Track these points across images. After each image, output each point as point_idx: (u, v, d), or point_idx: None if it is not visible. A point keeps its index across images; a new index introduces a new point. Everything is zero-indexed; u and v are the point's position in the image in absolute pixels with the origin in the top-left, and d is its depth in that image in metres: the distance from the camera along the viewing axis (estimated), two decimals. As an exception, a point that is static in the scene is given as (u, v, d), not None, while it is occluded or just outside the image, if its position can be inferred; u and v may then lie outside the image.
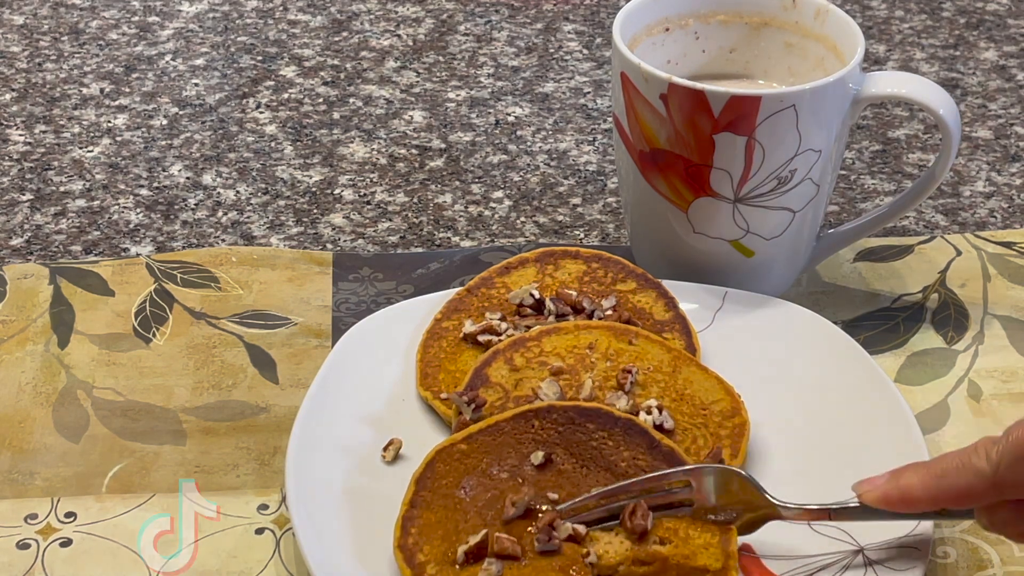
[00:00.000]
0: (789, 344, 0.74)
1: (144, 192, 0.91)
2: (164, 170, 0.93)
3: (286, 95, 1.01)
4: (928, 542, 0.63)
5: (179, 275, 0.82)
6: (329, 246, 0.86)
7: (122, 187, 0.91)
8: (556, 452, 0.65)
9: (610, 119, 0.89)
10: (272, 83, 1.02)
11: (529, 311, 0.75)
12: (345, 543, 0.64)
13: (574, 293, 0.75)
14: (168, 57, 1.05)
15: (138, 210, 0.89)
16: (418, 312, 0.76)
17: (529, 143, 0.96)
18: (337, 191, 0.91)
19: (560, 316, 0.74)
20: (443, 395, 0.71)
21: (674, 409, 0.69)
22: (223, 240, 0.86)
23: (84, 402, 0.74)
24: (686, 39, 0.81)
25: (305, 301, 0.81)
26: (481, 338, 0.73)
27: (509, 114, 0.99)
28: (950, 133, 0.74)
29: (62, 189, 0.91)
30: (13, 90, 1.01)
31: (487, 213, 0.89)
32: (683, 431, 0.68)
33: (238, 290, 0.82)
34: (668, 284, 0.77)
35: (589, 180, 0.92)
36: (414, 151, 0.95)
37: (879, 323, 0.80)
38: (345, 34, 1.08)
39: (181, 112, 0.99)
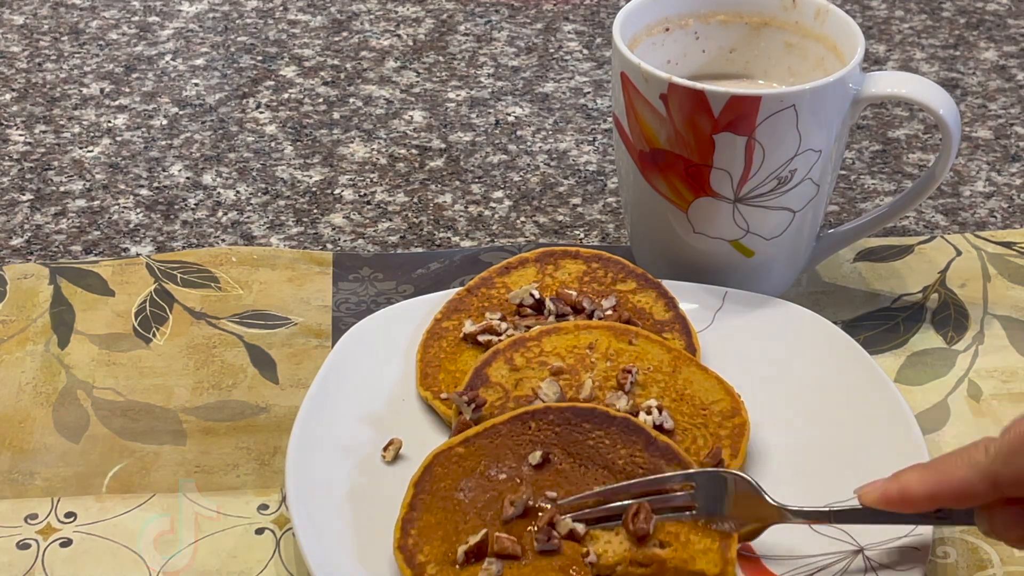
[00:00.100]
0: (789, 344, 0.74)
1: (144, 192, 0.91)
2: (164, 170, 0.93)
3: (286, 95, 1.01)
4: (928, 542, 0.63)
5: (179, 275, 0.82)
6: (329, 246, 0.86)
7: (122, 187, 0.91)
8: (554, 452, 0.65)
9: (610, 119, 0.89)
10: (272, 83, 1.02)
11: (529, 311, 0.75)
12: (345, 543, 0.64)
13: (574, 293, 0.75)
14: (168, 57, 1.05)
15: (138, 210, 0.89)
16: (418, 312, 0.76)
17: (529, 143, 0.96)
18: (337, 191, 0.91)
19: (560, 316, 0.74)
20: (443, 395, 0.71)
21: (674, 409, 0.69)
22: (223, 240, 0.86)
23: (84, 402, 0.74)
24: (686, 39, 0.81)
25: (305, 301, 0.81)
26: (481, 338, 0.73)
27: (509, 114, 0.99)
28: (950, 133, 0.74)
29: (62, 189, 0.91)
30: (13, 90, 1.01)
31: (487, 213, 0.89)
32: (683, 431, 0.68)
33: (238, 290, 0.82)
34: (668, 284, 0.77)
35: (589, 180, 0.92)
36: (414, 151, 0.95)
37: (879, 323, 0.80)
38: (345, 34, 1.08)
39: (181, 112, 0.99)
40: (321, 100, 1.00)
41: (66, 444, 0.72)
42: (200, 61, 1.04)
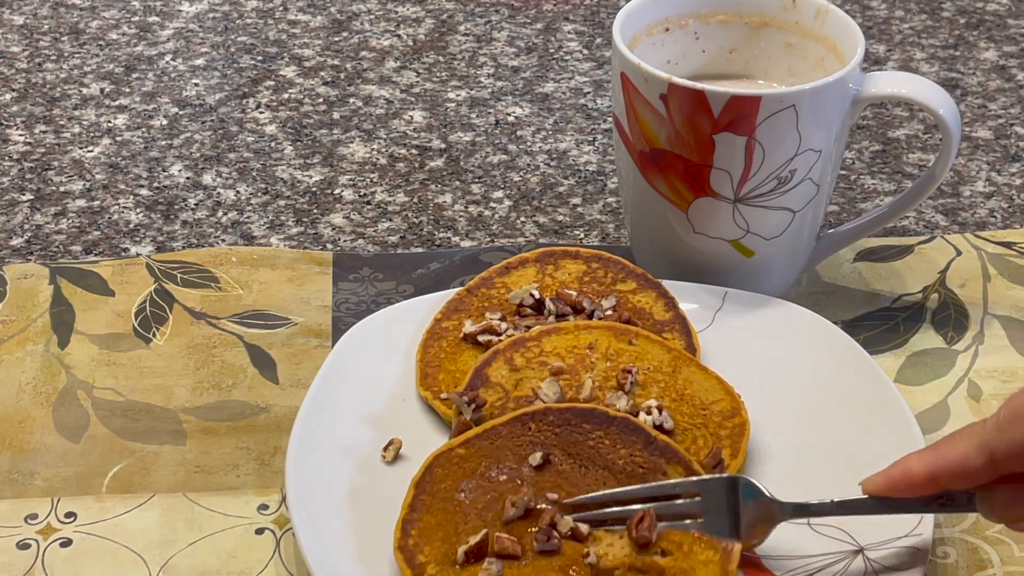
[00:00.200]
0: (789, 344, 0.74)
1: (144, 192, 0.91)
2: (164, 170, 0.93)
3: (286, 95, 1.01)
4: (928, 542, 0.63)
5: (179, 275, 0.82)
6: (329, 246, 0.86)
7: (122, 187, 0.91)
8: (554, 453, 0.65)
9: (610, 119, 0.89)
10: (272, 83, 1.02)
11: (529, 311, 0.75)
12: (345, 543, 0.64)
13: (574, 293, 0.75)
14: (168, 57, 1.05)
15: (138, 210, 0.89)
16: (418, 312, 0.76)
17: (529, 143, 0.96)
18: (337, 191, 0.91)
19: (560, 316, 0.74)
20: (443, 395, 0.71)
21: (674, 409, 0.69)
22: (223, 240, 0.86)
23: (84, 402, 0.74)
24: (686, 39, 0.81)
25: (305, 301, 0.81)
26: (481, 338, 0.73)
27: (509, 114, 0.99)
28: (950, 133, 0.74)
29: (62, 189, 0.91)
30: (13, 90, 1.01)
31: (487, 213, 0.89)
32: (683, 431, 0.68)
33: (238, 290, 0.82)
34: (668, 284, 0.77)
35: (589, 180, 0.92)
36: (414, 151, 0.95)
37: (879, 323, 0.80)
38: (345, 34, 1.08)
39: (181, 112, 0.99)
40: (321, 100, 1.00)
41: (66, 444, 0.72)
42: (200, 61, 1.04)
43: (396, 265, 0.84)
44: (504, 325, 0.74)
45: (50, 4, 1.12)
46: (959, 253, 0.85)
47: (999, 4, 1.13)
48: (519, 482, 0.64)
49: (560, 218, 0.89)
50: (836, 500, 0.62)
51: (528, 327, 0.73)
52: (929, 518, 0.64)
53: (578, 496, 0.64)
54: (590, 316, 0.74)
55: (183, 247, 0.86)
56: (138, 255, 0.85)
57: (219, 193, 0.91)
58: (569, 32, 1.09)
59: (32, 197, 0.90)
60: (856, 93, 0.74)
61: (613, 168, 0.93)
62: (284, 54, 1.05)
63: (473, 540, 0.62)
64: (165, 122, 0.98)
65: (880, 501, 0.61)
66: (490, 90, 1.02)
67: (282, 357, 0.77)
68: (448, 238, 0.87)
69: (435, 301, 0.76)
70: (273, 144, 0.95)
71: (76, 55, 1.05)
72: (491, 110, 0.99)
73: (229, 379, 0.76)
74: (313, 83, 1.02)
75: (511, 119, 0.98)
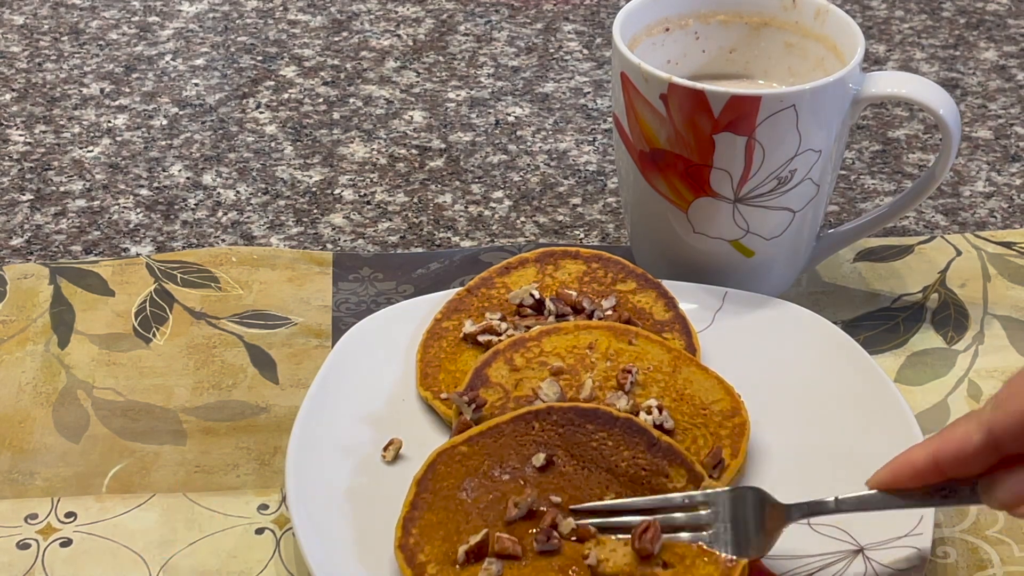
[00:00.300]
0: (789, 344, 0.74)
1: (144, 192, 0.91)
2: (164, 170, 0.93)
3: (286, 95, 1.01)
4: (928, 542, 0.63)
5: (179, 275, 0.82)
6: (329, 246, 0.86)
7: (122, 187, 0.91)
8: (557, 454, 0.65)
9: (610, 119, 0.89)
10: (272, 83, 1.02)
11: (529, 311, 0.75)
12: (345, 543, 0.64)
13: (574, 293, 0.75)
14: (168, 57, 1.05)
15: (138, 210, 0.89)
16: (418, 312, 0.76)
17: (529, 143, 0.96)
18: (337, 191, 0.91)
19: (560, 316, 0.74)
20: (443, 395, 0.71)
21: (674, 409, 0.69)
22: (223, 240, 0.86)
23: (84, 402, 0.74)
24: (686, 39, 0.81)
25: (305, 301, 0.81)
26: (481, 338, 0.73)
27: (509, 114, 0.99)
28: (950, 133, 0.74)
29: (62, 189, 0.91)
30: (13, 90, 1.01)
31: (487, 213, 0.89)
32: (683, 431, 0.68)
33: (238, 290, 0.82)
34: (668, 284, 0.77)
35: (589, 180, 0.92)
36: (414, 151, 0.95)
37: (879, 323, 0.80)
38: (345, 34, 1.08)
39: (181, 112, 0.99)
40: (321, 100, 1.00)
41: (66, 444, 0.72)
42: (200, 61, 1.04)
43: (396, 265, 0.84)
44: (504, 325, 0.74)
45: (50, 4, 1.12)
46: (959, 253, 0.85)
47: (999, 4, 1.13)
48: (522, 482, 0.64)
49: (560, 218, 0.89)
50: (840, 497, 0.62)
51: (528, 327, 0.73)
52: (929, 518, 0.64)
53: (588, 503, 0.64)
54: (590, 316, 0.74)
55: (183, 247, 0.86)
56: (138, 255, 0.85)
57: (219, 193, 0.91)
58: (569, 32, 1.09)
59: (32, 197, 0.90)
60: (856, 93, 0.74)
61: (613, 168, 0.93)
62: (284, 54, 1.05)
63: (473, 540, 0.62)
64: (165, 122, 0.98)
65: (885, 496, 0.61)
66: (490, 90, 1.02)
67: (282, 357, 0.77)
68: (448, 238, 0.87)
69: (435, 301, 0.76)
70: (273, 144, 0.95)
71: (76, 55, 1.05)
72: (491, 110, 0.99)
73: (229, 379, 0.76)
74: (313, 83, 1.02)
75: (511, 119, 0.98)
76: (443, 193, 0.91)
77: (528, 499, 0.63)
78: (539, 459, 0.65)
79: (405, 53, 1.06)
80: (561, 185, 0.92)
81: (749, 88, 0.79)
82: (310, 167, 0.93)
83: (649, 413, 0.68)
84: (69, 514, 0.68)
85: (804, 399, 0.72)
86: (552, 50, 1.06)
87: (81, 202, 0.90)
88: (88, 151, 0.95)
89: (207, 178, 0.92)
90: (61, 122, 0.98)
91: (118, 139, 0.96)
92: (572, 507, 0.63)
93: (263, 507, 0.68)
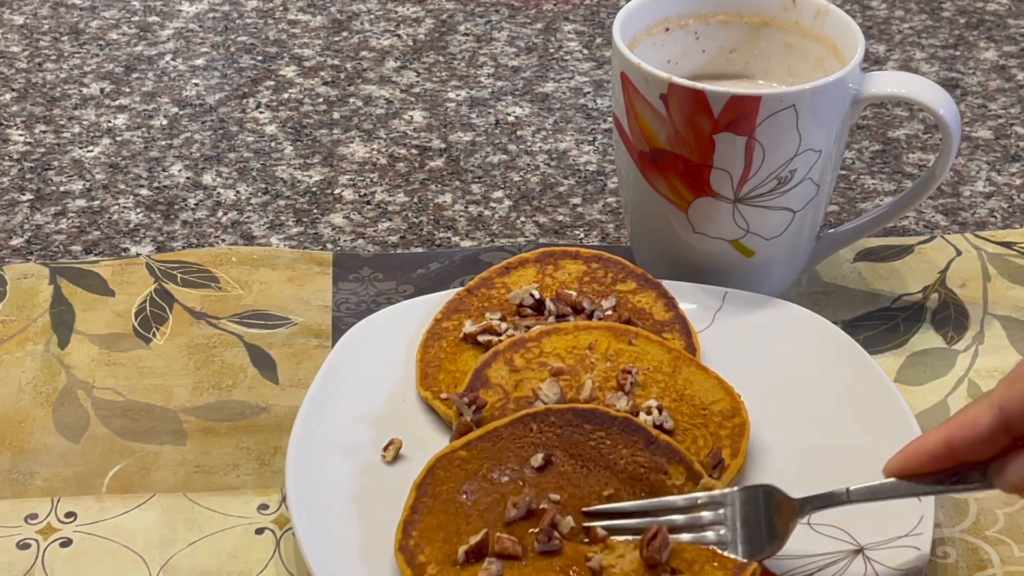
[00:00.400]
0: (789, 344, 0.74)
1: (144, 192, 0.91)
2: (164, 170, 0.93)
3: (286, 95, 1.01)
4: (928, 542, 0.63)
5: (179, 275, 0.82)
6: (329, 246, 0.86)
7: (122, 187, 0.91)
8: (555, 454, 0.65)
9: (610, 119, 0.89)
10: (272, 83, 1.02)
11: (529, 311, 0.75)
12: (345, 543, 0.64)
13: (574, 293, 0.75)
14: (168, 57, 1.05)
15: (138, 210, 0.89)
16: (418, 312, 0.76)
17: (529, 143, 0.96)
18: (337, 191, 0.91)
19: (560, 316, 0.74)
20: (443, 395, 0.71)
21: (674, 409, 0.69)
22: (223, 240, 0.86)
23: (84, 402, 0.74)
24: (686, 39, 0.81)
25: (305, 301, 0.81)
26: (481, 338, 0.73)
27: (509, 114, 0.99)
28: (950, 133, 0.74)
29: (62, 189, 0.91)
30: (13, 90, 1.01)
31: (487, 213, 0.89)
32: (683, 431, 0.68)
33: (238, 290, 0.82)
34: (668, 284, 0.76)
35: (589, 180, 0.92)
36: (414, 151, 0.95)
37: (879, 323, 0.80)
38: (345, 34, 1.08)
39: (181, 112, 0.99)
40: (321, 100, 1.00)
41: (66, 444, 0.72)
42: (200, 61, 1.04)
43: (396, 265, 0.84)
44: (504, 325, 0.74)
45: (50, 4, 1.12)
46: (959, 253, 0.85)
47: (999, 4, 1.13)
48: (521, 483, 0.64)
49: (560, 218, 0.89)
50: (851, 488, 0.62)
51: (528, 327, 0.73)
52: (929, 518, 0.64)
53: (599, 506, 0.64)
54: (590, 316, 0.74)
55: (183, 247, 0.86)
56: (138, 255, 0.85)
57: (219, 193, 0.91)
58: (569, 32, 1.09)
59: (32, 197, 0.90)
60: (856, 93, 0.74)
61: (613, 168, 0.93)
62: (284, 54, 1.05)
63: (473, 540, 0.62)
64: (165, 122, 0.98)
65: (896, 484, 0.61)
66: (490, 90, 1.02)
67: (282, 357, 0.77)
68: (448, 238, 0.87)
69: (435, 301, 0.76)
70: (273, 144, 0.95)
71: (76, 55, 1.05)
72: (491, 110, 0.99)
73: (229, 379, 0.76)
74: (313, 83, 1.02)
75: (511, 119, 0.98)
76: (443, 193, 0.91)
77: (526, 498, 0.63)
78: (537, 459, 0.65)
79: (405, 53, 1.06)
80: (561, 185, 0.92)
81: (749, 88, 0.79)
82: (310, 167, 0.93)
83: (649, 414, 0.68)
84: (69, 514, 0.68)
85: (804, 399, 0.72)
86: (552, 50, 1.06)
87: (81, 202, 0.90)
88: (88, 151, 0.95)
89: (207, 178, 0.92)
90: (61, 122, 0.98)
91: (118, 139, 0.96)
92: (584, 510, 0.63)
93: (263, 507, 0.68)
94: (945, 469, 0.60)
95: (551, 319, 0.74)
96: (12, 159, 0.94)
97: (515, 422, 0.66)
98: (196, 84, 1.02)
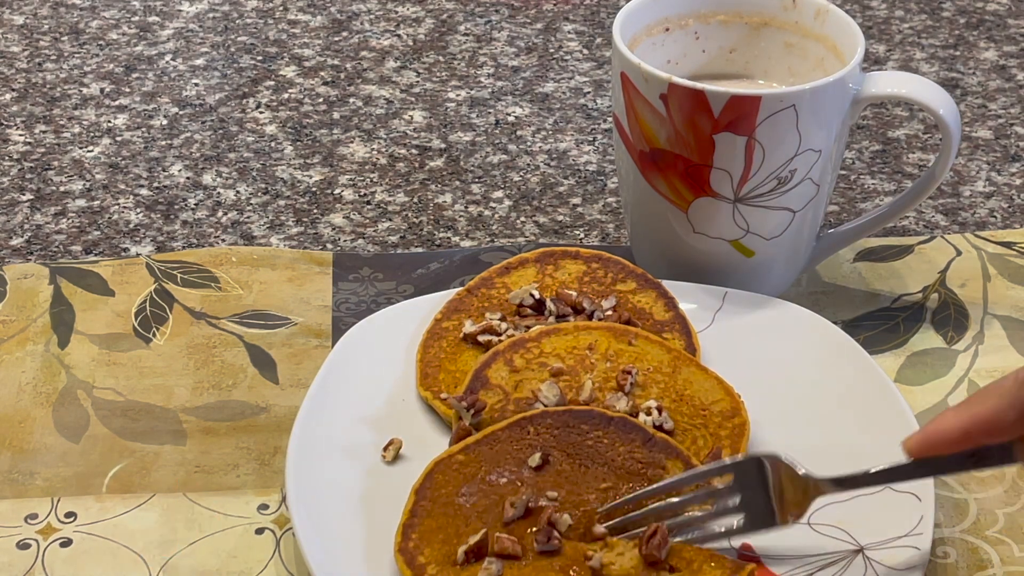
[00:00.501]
0: (789, 344, 0.74)
1: (144, 192, 0.91)
2: (164, 170, 0.93)
3: (286, 95, 1.01)
4: (928, 542, 0.63)
5: (179, 275, 0.82)
6: (329, 246, 0.86)
7: (122, 187, 0.91)
8: (553, 453, 0.65)
9: (610, 119, 0.89)
10: (272, 83, 1.02)
11: (529, 311, 0.75)
12: (345, 543, 0.64)
13: (574, 293, 0.75)
14: (168, 57, 1.05)
15: (138, 210, 0.89)
16: (418, 312, 0.76)
17: (529, 143, 0.96)
18: (337, 191, 0.91)
19: (560, 316, 0.74)
20: (443, 395, 0.71)
21: (674, 410, 0.69)
22: (223, 240, 0.86)
23: (84, 402, 0.74)
24: (686, 39, 0.81)
25: (305, 301, 0.81)
26: (481, 338, 0.73)
27: (509, 114, 0.99)
28: (950, 133, 0.74)
29: (62, 189, 0.91)
30: (13, 90, 1.01)
31: (487, 213, 0.89)
32: (683, 431, 0.68)
33: (238, 290, 0.82)
34: (668, 284, 0.77)
35: (589, 180, 0.92)
36: (414, 151, 0.95)
37: (879, 323, 0.80)
38: (345, 34, 1.08)
39: (181, 112, 0.99)
40: (321, 100, 1.00)
41: (66, 444, 0.72)
42: (200, 61, 1.04)
43: (396, 265, 0.84)
44: (504, 325, 0.74)
45: (50, 4, 1.12)
46: (959, 253, 0.85)
47: (999, 4, 1.13)
48: (519, 484, 0.64)
49: (560, 218, 0.89)
50: (872, 471, 0.61)
51: (528, 327, 0.73)
52: (929, 518, 0.64)
53: (612, 503, 0.64)
54: (590, 316, 0.74)
55: (183, 247, 0.86)
56: (138, 255, 0.85)
57: (219, 193, 0.91)
58: (569, 32, 1.09)
59: (32, 197, 0.90)
60: (856, 93, 0.74)
61: (613, 168, 0.93)
62: (284, 54, 1.05)
63: (473, 540, 0.62)
64: (165, 122, 0.98)
65: (916, 464, 0.61)
66: (490, 90, 1.02)
67: (282, 357, 0.77)
68: (448, 238, 0.87)
69: (435, 301, 0.76)
70: (273, 144, 0.95)
71: (76, 55, 1.05)
72: (491, 110, 0.99)
73: (229, 379, 0.76)
74: (313, 83, 1.02)
75: (511, 119, 0.98)
76: (443, 193, 0.91)
77: (524, 498, 0.63)
78: (535, 459, 0.65)
79: (405, 53, 1.06)
80: (561, 185, 0.92)
81: (749, 88, 0.79)
82: (310, 167, 0.93)
83: (648, 414, 0.68)
84: (69, 514, 0.68)
85: (804, 399, 0.72)
86: (552, 50, 1.06)
87: (81, 202, 0.90)
88: (88, 151, 0.95)
89: (207, 178, 0.92)
90: (61, 122, 0.98)
91: (118, 139, 0.96)
92: (601, 508, 0.63)
93: (263, 507, 0.68)
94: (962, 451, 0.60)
95: (551, 319, 0.74)
96: (12, 159, 0.94)
97: (512, 425, 0.66)
98: (196, 84, 1.02)
